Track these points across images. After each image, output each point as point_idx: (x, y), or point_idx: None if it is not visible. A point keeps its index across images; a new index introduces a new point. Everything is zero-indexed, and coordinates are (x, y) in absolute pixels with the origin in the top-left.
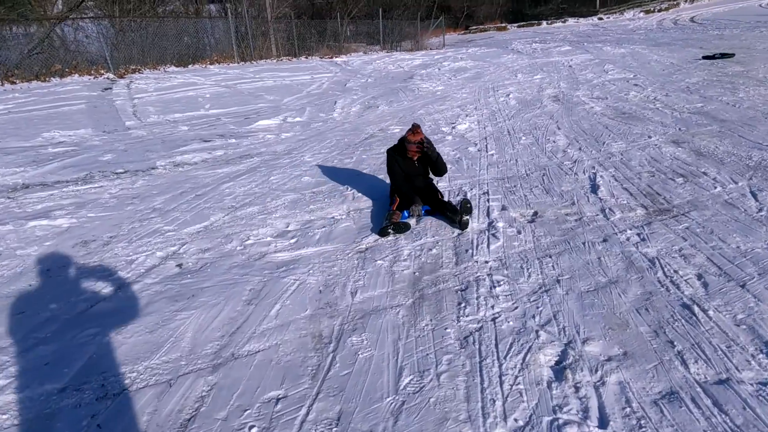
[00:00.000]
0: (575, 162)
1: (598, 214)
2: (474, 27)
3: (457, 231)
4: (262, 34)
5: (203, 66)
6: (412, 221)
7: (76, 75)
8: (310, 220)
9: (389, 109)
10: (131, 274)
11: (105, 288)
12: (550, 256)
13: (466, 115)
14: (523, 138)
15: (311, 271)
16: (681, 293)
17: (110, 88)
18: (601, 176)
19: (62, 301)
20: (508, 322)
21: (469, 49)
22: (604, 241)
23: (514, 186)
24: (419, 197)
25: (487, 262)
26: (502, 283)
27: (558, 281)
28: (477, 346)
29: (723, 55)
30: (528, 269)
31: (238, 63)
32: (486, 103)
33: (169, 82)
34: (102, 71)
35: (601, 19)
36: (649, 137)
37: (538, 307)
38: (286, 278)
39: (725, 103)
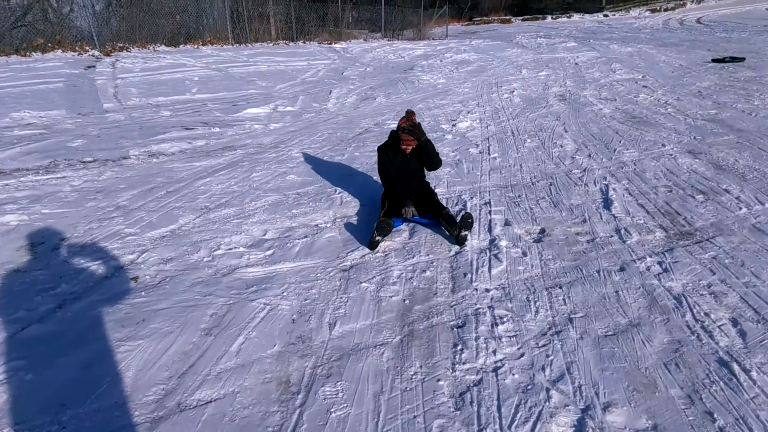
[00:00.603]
0: (585, 171)
1: (612, 236)
2: (478, 18)
3: (454, 248)
4: (259, 16)
5: (195, 47)
6: (402, 229)
7: (60, 51)
8: (290, 227)
9: (387, 102)
10: (77, 288)
11: (43, 305)
12: (561, 287)
13: (468, 112)
14: (528, 140)
15: (285, 293)
16: (715, 344)
17: (94, 67)
18: (613, 189)
19: None
20: (513, 374)
21: (472, 41)
22: (622, 270)
23: (519, 196)
24: (413, 199)
25: (488, 290)
26: (505, 319)
27: (570, 320)
28: (475, 408)
29: (733, 59)
30: (535, 302)
31: (233, 45)
32: (489, 99)
33: (158, 62)
34: (87, 48)
35: (606, 16)
36: (663, 146)
37: (548, 355)
38: (255, 301)
39: (740, 110)
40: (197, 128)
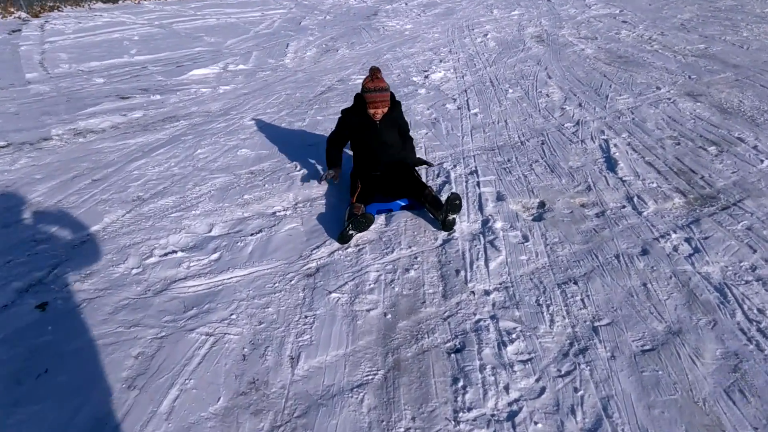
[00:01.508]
0: (578, 123)
1: (624, 206)
2: None
3: (440, 235)
4: None
5: (136, 2)
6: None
7: None
8: (242, 218)
9: (350, 54)
10: None
11: None
12: (575, 282)
13: (440, 61)
14: (510, 90)
15: (234, 316)
16: None
17: (19, 31)
18: (614, 145)
19: None
20: (535, 423)
21: None
22: (644, 252)
23: (509, 161)
24: (386, 179)
25: (487, 292)
26: (514, 335)
27: (595, 331)
28: None
29: None
30: (548, 307)
31: None
32: (462, 45)
33: (93, 21)
34: (12, 9)
35: None
36: (658, 88)
37: (575, 389)
38: (195, 331)
39: (731, 44)
40: (134, 97)
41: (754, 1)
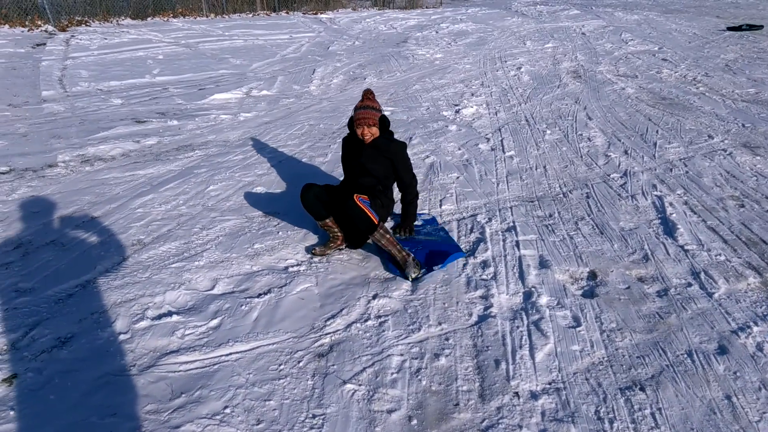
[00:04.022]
0: (626, 174)
1: (690, 283)
2: None
3: (475, 310)
4: None
5: (165, 19)
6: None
7: (6, 26)
8: (250, 272)
9: (378, 82)
10: None
11: None
12: (642, 387)
13: (472, 94)
14: (548, 132)
15: (229, 410)
16: None
17: (44, 44)
18: (670, 204)
19: None
20: None
21: (468, 9)
22: (723, 351)
23: (551, 216)
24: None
25: (535, 395)
26: None
27: None
28: None
29: (750, 27)
30: (611, 423)
31: (208, 17)
32: (494, 77)
33: (119, 38)
34: (40, 22)
35: None
36: (710, 137)
37: None
38: (180, 429)
39: None
40: (151, 121)
41: None
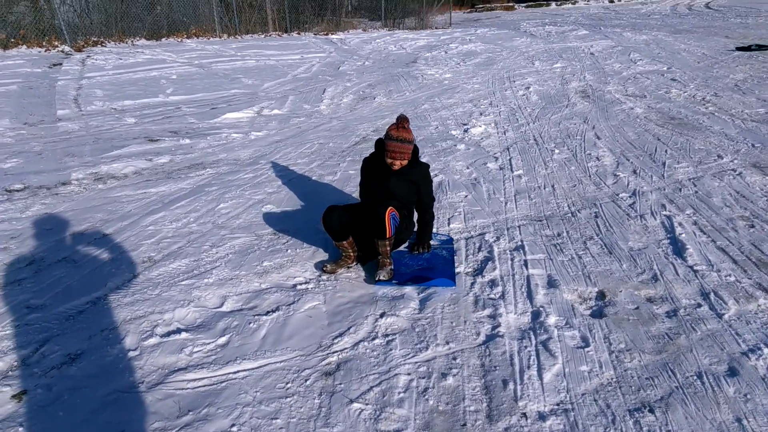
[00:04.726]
0: (635, 194)
1: (700, 304)
2: (480, 5)
3: (483, 329)
4: (249, 5)
5: (179, 40)
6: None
7: (24, 47)
8: (259, 290)
9: (388, 102)
10: None
11: None
12: (651, 409)
13: (481, 114)
14: (557, 151)
15: (236, 429)
16: None
17: (60, 64)
18: (679, 224)
19: None
20: None
21: (477, 29)
22: (733, 373)
23: (559, 235)
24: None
25: (543, 416)
26: None
27: None
28: None
29: (760, 47)
30: None
31: (221, 38)
32: (503, 97)
33: (134, 58)
34: (57, 43)
35: (612, 1)
36: (720, 157)
37: None
38: None
39: None
40: (163, 140)
41: None
